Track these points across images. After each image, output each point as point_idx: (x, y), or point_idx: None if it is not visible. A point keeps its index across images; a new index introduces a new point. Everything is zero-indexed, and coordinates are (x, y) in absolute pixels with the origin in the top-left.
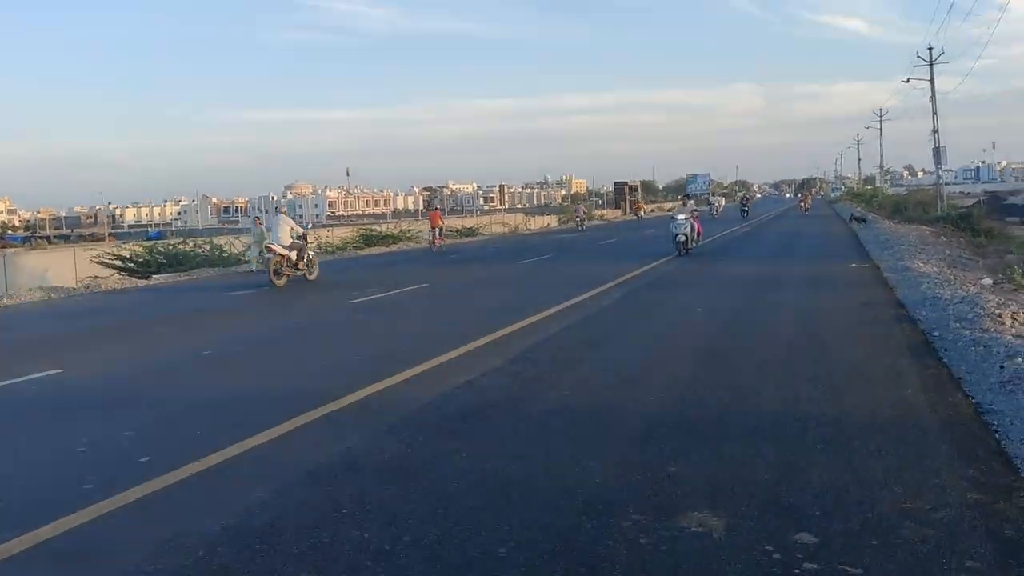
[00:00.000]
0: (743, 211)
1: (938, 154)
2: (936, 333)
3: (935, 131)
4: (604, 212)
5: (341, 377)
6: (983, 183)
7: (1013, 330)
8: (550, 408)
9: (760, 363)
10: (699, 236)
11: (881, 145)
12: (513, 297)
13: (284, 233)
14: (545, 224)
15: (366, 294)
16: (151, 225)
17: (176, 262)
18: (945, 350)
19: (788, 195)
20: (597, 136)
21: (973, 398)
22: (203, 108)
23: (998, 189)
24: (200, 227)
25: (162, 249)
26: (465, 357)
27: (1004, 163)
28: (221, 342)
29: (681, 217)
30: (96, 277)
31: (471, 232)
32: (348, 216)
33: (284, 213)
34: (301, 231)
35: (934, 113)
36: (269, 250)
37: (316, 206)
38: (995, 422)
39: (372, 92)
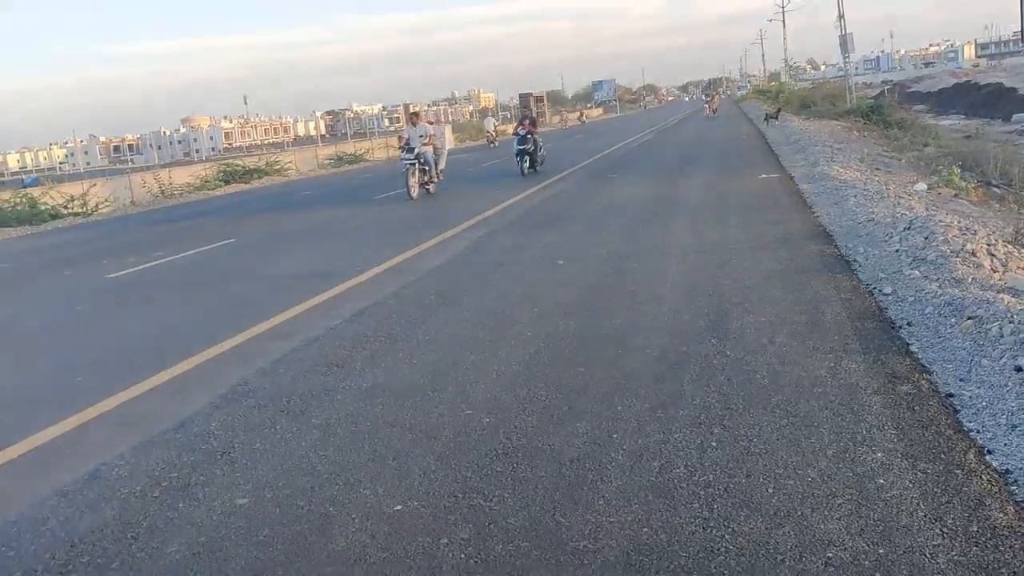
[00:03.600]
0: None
1: (845, 42)
2: (888, 291)
3: (841, 16)
4: (508, 127)
5: None
6: (883, 72)
7: (999, 276)
8: None
9: (618, 385)
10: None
11: (785, 38)
12: (325, 258)
13: None
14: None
15: (127, 265)
16: (34, 171)
17: None
18: (910, 328)
19: (687, 98)
20: (502, 48)
21: (998, 469)
22: (89, 43)
23: (899, 78)
24: (82, 170)
25: None
26: (194, 375)
27: (902, 52)
28: None
29: (521, 132)
30: None
31: (354, 159)
32: (247, 147)
33: None
34: None
35: None
36: None
37: (212, 138)
38: None
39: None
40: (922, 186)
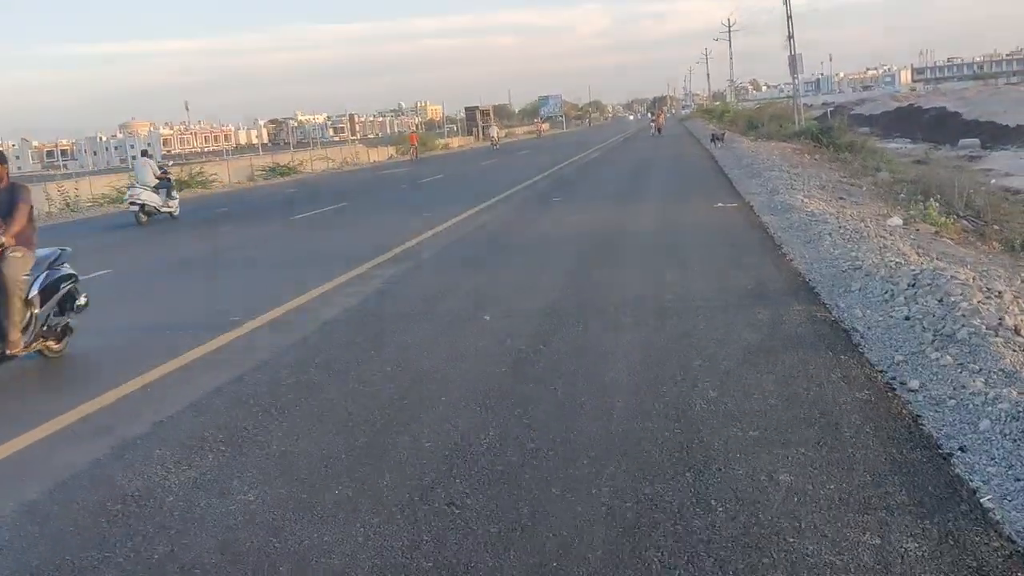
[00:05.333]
0: None
1: (794, 63)
2: (914, 385)
3: (790, 37)
4: (452, 140)
5: None
6: (824, 95)
7: None
8: None
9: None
10: None
11: (731, 56)
12: (194, 302)
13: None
14: (386, 156)
15: None
16: None
17: None
18: (963, 456)
19: (632, 116)
20: (450, 60)
21: None
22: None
23: (840, 100)
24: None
25: None
26: None
27: (841, 75)
28: None
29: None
30: None
31: (287, 171)
32: (185, 155)
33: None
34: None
35: (789, 17)
36: None
37: (149, 144)
38: None
39: (208, 18)
40: (897, 220)
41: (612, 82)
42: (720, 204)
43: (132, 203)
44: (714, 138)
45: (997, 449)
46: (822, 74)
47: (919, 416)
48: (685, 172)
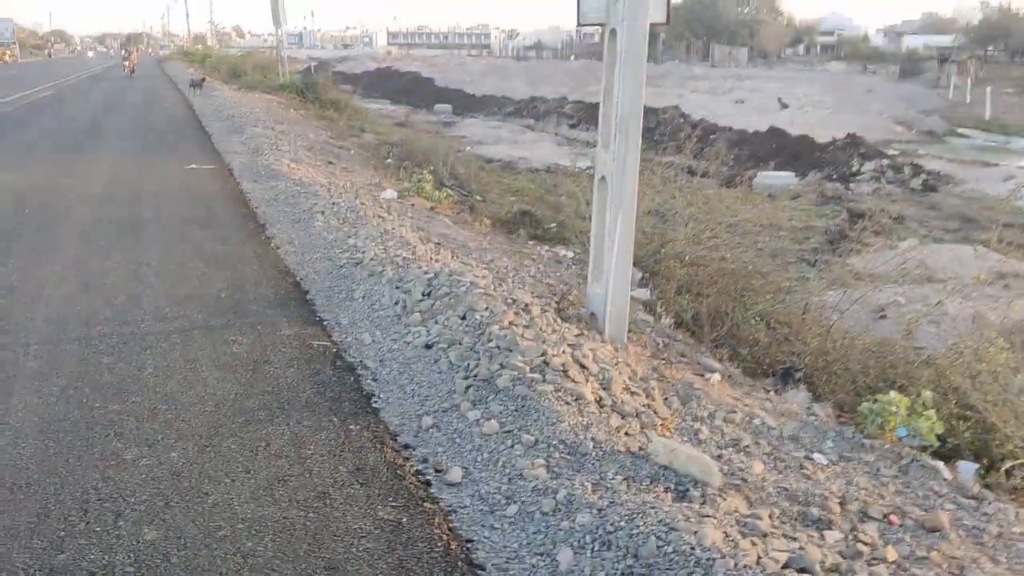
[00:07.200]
0: None
1: (277, 12)
2: (454, 478)
3: None
4: None
5: None
6: (307, 49)
7: (624, 429)
8: None
9: None
10: None
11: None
12: None
13: None
14: None
15: None
16: None
17: None
18: None
19: (91, 54)
20: None
21: None
22: None
23: (324, 56)
24: None
25: None
26: None
27: (323, 31)
28: None
29: None
30: None
31: None
32: None
33: None
34: None
35: None
36: None
37: None
38: None
39: None
40: (392, 194)
41: (80, 11)
42: (194, 165)
43: None
44: (193, 84)
45: None
46: (305, 28)
47: (471, 544)
48: (158, 122)
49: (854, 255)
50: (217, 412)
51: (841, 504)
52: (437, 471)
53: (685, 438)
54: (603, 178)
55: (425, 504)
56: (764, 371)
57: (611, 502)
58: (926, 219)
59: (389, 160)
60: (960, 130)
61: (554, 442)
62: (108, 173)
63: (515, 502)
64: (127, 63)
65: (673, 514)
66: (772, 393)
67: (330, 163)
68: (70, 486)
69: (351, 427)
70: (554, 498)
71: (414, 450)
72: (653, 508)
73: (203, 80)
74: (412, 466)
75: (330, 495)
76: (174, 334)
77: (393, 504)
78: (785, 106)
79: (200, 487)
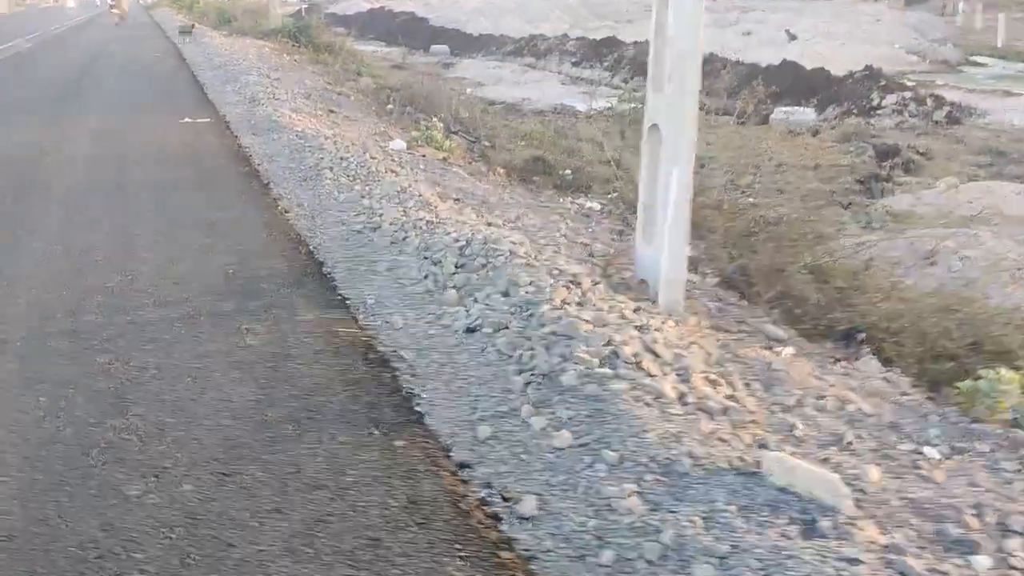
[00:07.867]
0: None
1: None
2: (526, 511)
3: None
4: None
5: None
6: None
7: (740, 447)
8: None
9: None
10: None
11: None
12: None
13: None
14: None
15: None
16: None
17: None
18: None
19: (72, 3)
20: None
21: None
22: None
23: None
24: None
25: None
26: None
27: None
28: None
29: None
30: None
31: None
32: None
33: None
34: None
35: None
36: None
37: None
38: None
39: None
40: (401, 144)
41: None
42: (188, 119)
43: None
44: (182, 32)
45: None
46: None
47: None
48: (148, 73)
49: (888, 195)
50: (236, 427)
51: (977, 516)
52: (505, 499)
53: (780, 436)
54: (654, 126)
55: (501, 552)
56: (820, 333)
57: (733, 547)
58: (954, 154)
59: (390, 106)
60: (975, 58)
61: (643, 459)
62: (95, 131)
63: (609, 545)
64: (116, 11)
65: (814, 562)
66: (843, 363)
67: (331, 111)
68: (63, 539)
69: (396, 442)
70: (658, 540)
71: (473, 470)
72: (787, 553)
73: (192, 27)
74: (475, 494)
75: (383, 543)
76: (178, 323)
77: (462, 554)
78: (793, 38)
79: (222, 535)
